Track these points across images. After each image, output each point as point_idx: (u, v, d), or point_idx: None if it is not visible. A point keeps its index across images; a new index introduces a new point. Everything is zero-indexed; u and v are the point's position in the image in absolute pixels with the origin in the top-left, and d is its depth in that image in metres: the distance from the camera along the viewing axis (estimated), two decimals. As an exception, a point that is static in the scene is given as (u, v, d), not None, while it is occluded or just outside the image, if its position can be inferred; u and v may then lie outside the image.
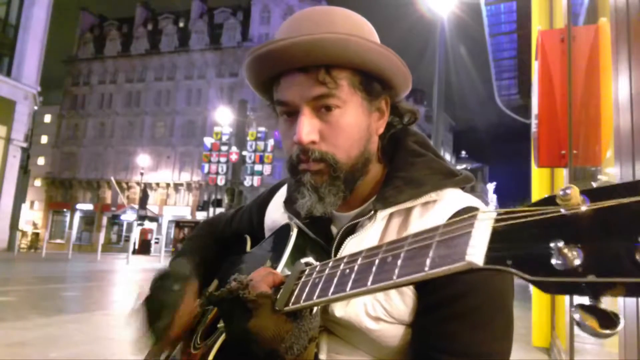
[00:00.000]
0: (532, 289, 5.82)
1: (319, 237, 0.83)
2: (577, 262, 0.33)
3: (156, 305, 0.85)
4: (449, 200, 0.76)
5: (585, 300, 0.34)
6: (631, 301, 1.37)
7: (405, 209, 0.77)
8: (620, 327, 0.33)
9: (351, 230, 0.78)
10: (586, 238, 0.34)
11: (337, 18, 0.77)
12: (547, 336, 4.76)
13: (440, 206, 0.76)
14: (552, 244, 0.35)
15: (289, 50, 0.71)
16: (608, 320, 0.33)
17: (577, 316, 0.34)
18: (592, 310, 0.34)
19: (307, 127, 0.74)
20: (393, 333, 0.72)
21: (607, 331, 0.33)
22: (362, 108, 0.77)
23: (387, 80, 0.78)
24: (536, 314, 4.89)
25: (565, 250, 0.34)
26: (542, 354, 4.58)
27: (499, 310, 0.69)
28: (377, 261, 0.50)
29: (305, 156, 0.75)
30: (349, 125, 0.75)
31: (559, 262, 0.34)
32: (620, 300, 1.47)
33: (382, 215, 0.76)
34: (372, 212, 0.76)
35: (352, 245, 0.76)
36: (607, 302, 0.32)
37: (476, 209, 0.75)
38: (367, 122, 0.78)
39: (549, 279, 0.35)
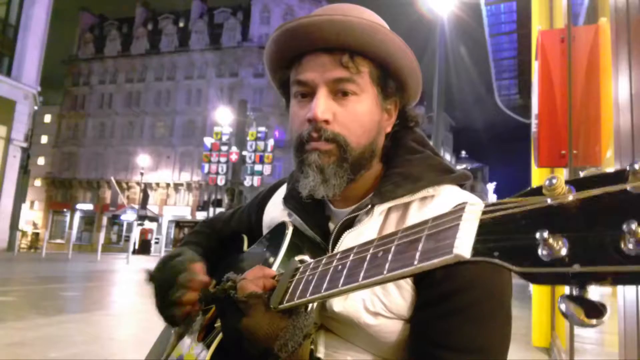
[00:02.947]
0: (532, 288, 5.82)
1: (316, 234, 0.84)
2: (563, 252, 0.33)
3: (167, 276, 0.84)
4: (447, 196, 0.77)
5: (572, 290, 0.34)
6: (631, 301, 1.37)
7: (403, 204, 0.78)
8: (607, 317, 0.33)
9: (349, 225, 0.79)
10: (571, 227, 0.34)
11: (366, 14, 0.80)
12: (547, 336, 4.76)
13: (437, 201, 0.76)
14: (537, 235, 0.35)
15: (321, 27, 0.73)
16: (594, 310, 0.33)
17: (562, 307, 0.34)
18: (579, 300, 0.33)
19: (323, 106, 0.75)
20: (391, 328, 0.72)
21: (594, 321, 0.33)
22: (376, 101, 0.79)
23: (402, 81, 0.80)
24: (536, 314, 4.89)
25: (551, 241, 0.34)
26: (542, 354, 4.58)
27: (497, 306, 0.69)
28: (368, 256, 0.51)
29: (317, 134, 0.76)
30: (363, 113, 0.77)
31: (545, 252, 0.34)
32: (620, 300, 1.47)
33: (380, 210, 0.77)
34: (370, 206, 0.77)
35: (350, 239, 0.76)
36: (598, 293, 0.33)
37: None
38: (378, 116, 0.80)
39: (535, 270, 0.35)
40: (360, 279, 0.49)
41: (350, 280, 0.51)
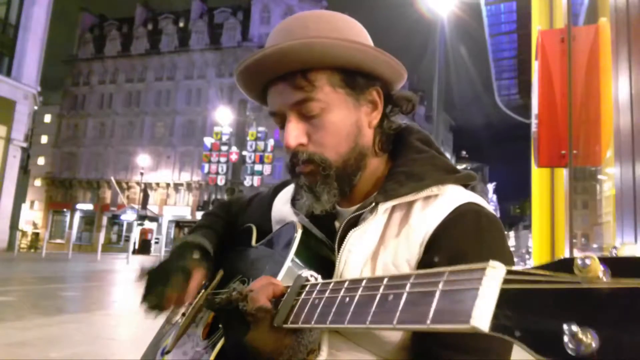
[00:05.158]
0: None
1: (324, 233, 0.85)
2: (592, 348, 0.31)
3: (167, 270, 0.89)
4: (450, 196, 0.77)
5: None
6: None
7: (407, 203, 0.78)
8: None
9: (354, 223, 0.79)
10: (603, 321, 0.31)
11: (310, 22, 0.79)
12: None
13: (441, 201, 0.76)
14: (565, 324, 0.32)
15: (262, 63, 0.76)
16: None
17: None
18: None
19: (294, 132, 0.77)
20: None
21: None
22: (346, 104, 0.79)
23: (370, 72, 0.79)
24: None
25: (580, 335, 0.31)
26: (542, 354, 4.57)
27: None
28: (377, 297, 0.49)
29: (296, 159, 0.79)
30: (334, 124, 0.78)
31: (572, 345, 0.31)
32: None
33: (384, 208, 0.77)
34: (374, 204, 0.77)
35: (354, 238, 0.77)
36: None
37: (477, 205, 0.75)
38: (354, 117, 0.80)
39: None
40: (367, 322, 0.48)
41: (357, 320, 0.50)
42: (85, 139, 46.08)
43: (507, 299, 0.37)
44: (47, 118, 49.32)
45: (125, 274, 13.43)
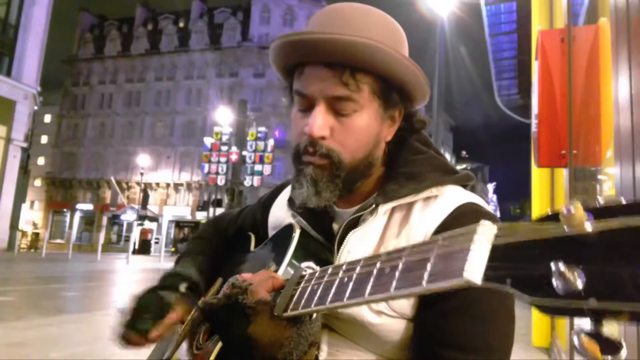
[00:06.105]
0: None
1: (321, 235, 0.84)
2: (579, 284, 0.32)
3: (144, 304, 0.87)
4: (450, 196, 0.77)
5: (586, 322, 0.33)
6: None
7: (407, 204, 0.78)
8: (623, 354, 0.32)
9: (353, 225, 0.79)
10: (588, 259, 0.33)
11: (373, 21, 0.78)
12: (547, 336, 4.76)
13: (441, 201, 0.76)
14: (552, 265, 0.34)
15: (319, 45, 0.73)
16: (610, 347, 0.32)
17: (576, 341, 0.32)
18: (594, 335, 0.32)
19: (320, 122, 0.75)
20: (395, 327, 0.72)
21: (609, 358, 0.32)
22: (376, 114, 0.78)
23: (407, 93, 0.79)
24: (536, 314, 4.88)
25: (566, 272, 0.33)
26: (542, 354, 4.58)
27: (499, 305, 0.69)
28: (375, 271, 0.50)
29: (313, 149, 0.76)
30: (361, 129, 0.77)
31: (560, 283, 0.33)
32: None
33: (384, 209, 0.77)
34: (374, 206, 0.77)
35: (354, 239, 0.77)
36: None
37: (477, 205, 0.76)
38: (378, 128, 0.79)
39: (549, 301, 0.34)
40: (366, 295, 0.49)
41: (355, 295, 0.50)
42: (85, 139, 46.07)
43: (497, 252, 0.39)
44: (47, 118, 49.31)
45: (125, 274, 13.43)
